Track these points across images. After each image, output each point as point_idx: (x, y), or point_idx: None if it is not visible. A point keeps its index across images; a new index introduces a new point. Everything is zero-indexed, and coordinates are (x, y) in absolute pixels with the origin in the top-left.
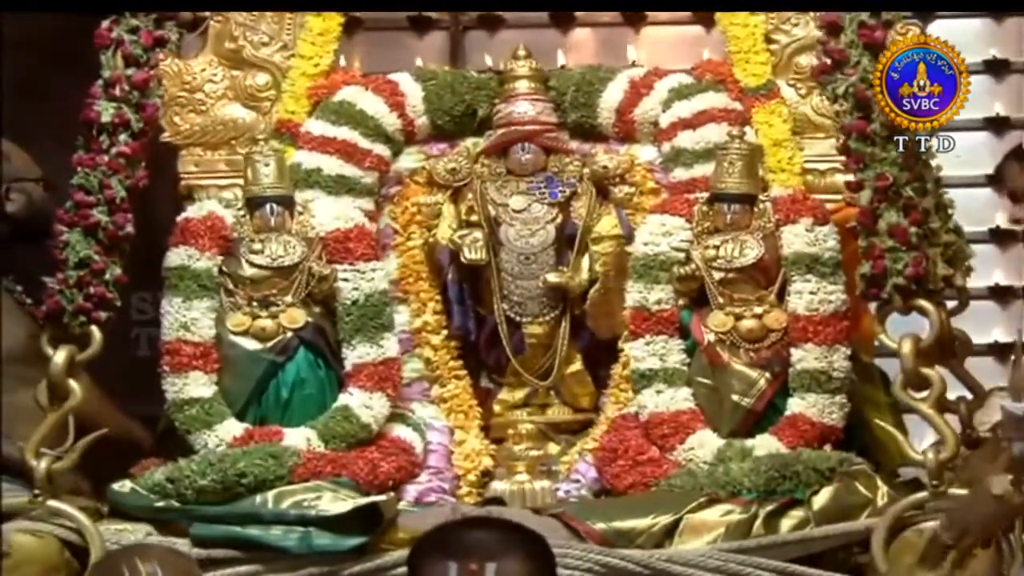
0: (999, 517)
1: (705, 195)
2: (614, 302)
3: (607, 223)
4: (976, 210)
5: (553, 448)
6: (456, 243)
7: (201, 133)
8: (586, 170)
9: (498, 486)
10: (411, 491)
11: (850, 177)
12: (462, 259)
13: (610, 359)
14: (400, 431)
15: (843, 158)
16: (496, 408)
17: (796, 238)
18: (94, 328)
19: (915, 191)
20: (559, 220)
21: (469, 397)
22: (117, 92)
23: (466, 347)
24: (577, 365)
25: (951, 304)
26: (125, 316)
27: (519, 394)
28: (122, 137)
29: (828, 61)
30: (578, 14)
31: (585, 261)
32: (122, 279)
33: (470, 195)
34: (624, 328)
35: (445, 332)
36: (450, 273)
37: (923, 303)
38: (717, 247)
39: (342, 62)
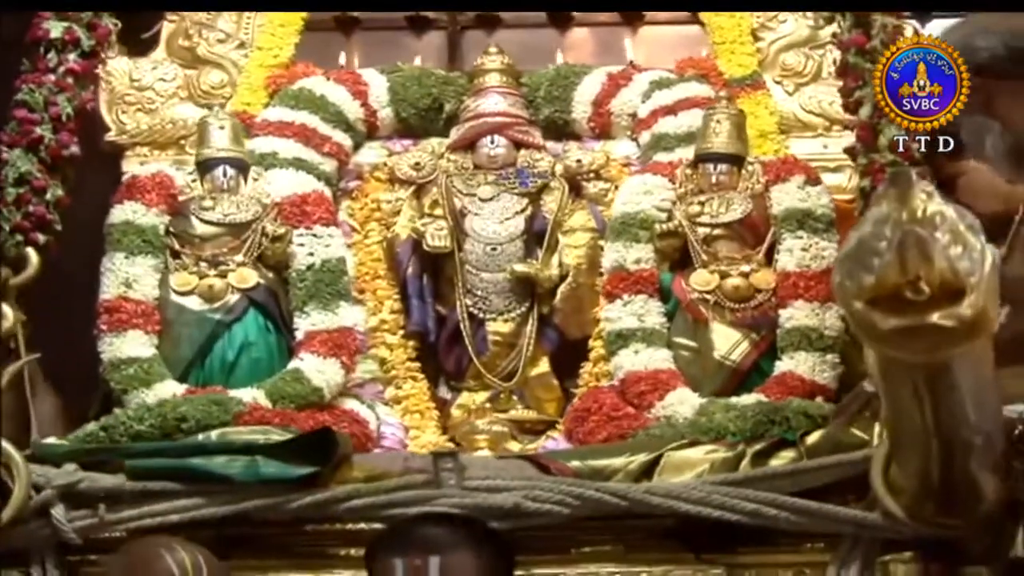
0: None
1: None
2: (585, 298)
3: (580, 217)
4: None
5: (516, 446)
6: (419, 231)
7: (148, 132)
8: (559, 167)
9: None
10: None
11: (840, 177)
12: (425, 247)
13: (578, 365)
14: (353, 405)
15: (832, 156)
16: (455, 412)
17: (786, 196)
18: (31, 250)
19: None
20: (529, 212)
21: (426, 398)
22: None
23: (424, 350)
24: (543, 367)
25: None
26: None
27: (480, 398)
28: (71, 56)
29: None
30: (576, 14)
31: (555, 257)
32: (65, 201)
33: (434, 189)
34: (594, 326)
35: (402, 331)
36: (410, 267)
37: None
38: (702, 204)
39: (341, 60)
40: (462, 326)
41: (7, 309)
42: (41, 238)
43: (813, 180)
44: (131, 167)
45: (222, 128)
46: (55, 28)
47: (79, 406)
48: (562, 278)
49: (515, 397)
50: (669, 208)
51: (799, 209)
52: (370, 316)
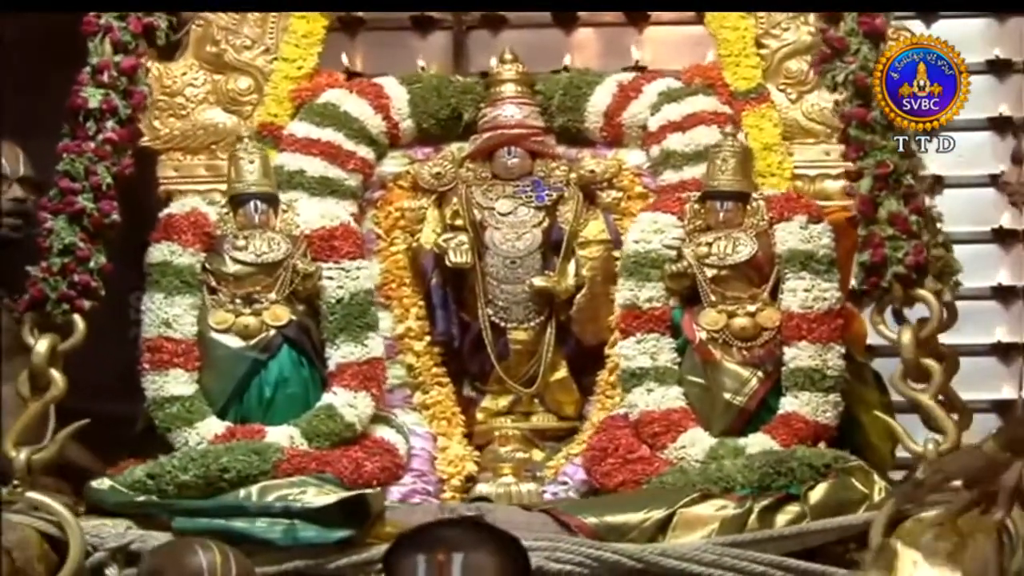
0: (983, 468)
1: (697, 194)
2: (600, 307)
3: (594, 228)
4: (979, 210)
5: (538, 455)
6: (441, 246)
7: (181, 137)
8: (573, 175)
9: (483, 488)
10: (395, 493)
11: (841, 183)
12: (447, 263)
13: (595, 367)
14: (384, 432)
15: (833, 163)
16: (479, 416)
17: (790, 235)
18: (77, 317)
19: (916, 180)
20: (545, 224)
21: (452, 404)
22: (105, 78)
23: (449, 354)
24: (562, 372)
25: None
26: (124, 316)
27: (503, 402)
28: (109, 123)
29: (828, 50)
30: (581, 14)
31: (571, 266)
32: (107, 268)
33: (455, 199)
34: (610, 334)
35: (428, 338)
36: (434, 278)
37: (924, 293)
38: (710, 244)
39: (344, 61)
40: (484, 335)
41: (57, 376)
42: (86, 304)
43: (815, 218)
44: (165, 172)
45: (252, 162)
46: (93, 97)
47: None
48: (578, 288)
49: (536, 400)
50: (679, 246)
51: (801, 251)
52: (396, 323)
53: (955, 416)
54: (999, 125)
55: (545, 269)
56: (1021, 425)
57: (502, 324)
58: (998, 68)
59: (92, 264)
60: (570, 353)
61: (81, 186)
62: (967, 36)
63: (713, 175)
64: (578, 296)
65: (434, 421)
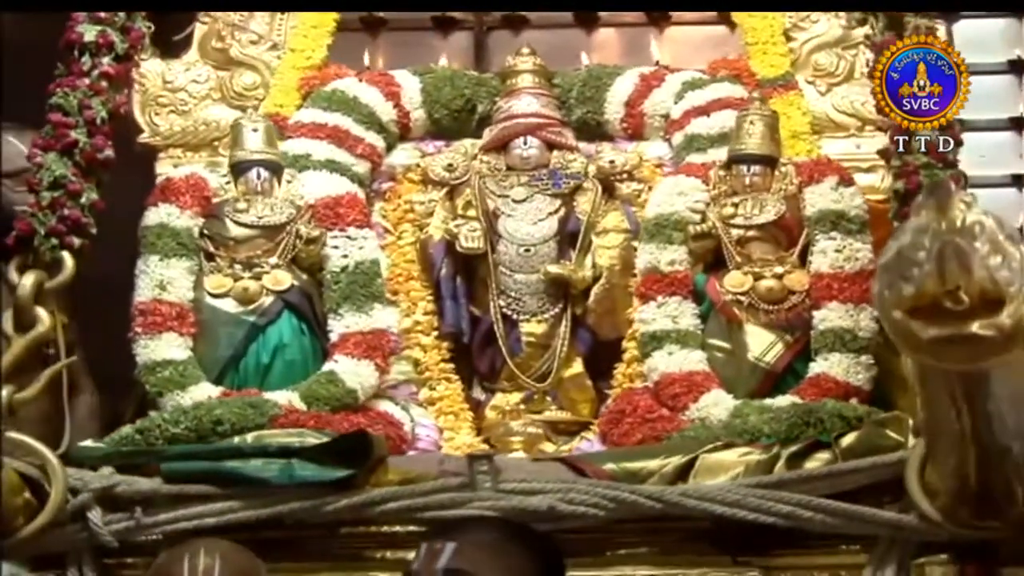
0: None
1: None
2: (619, 299)
3: (613, 218)
4: (1000, 211)
5: (550, 447)
6: (452, 232)
7: (182, 134)
8: (592, 167)
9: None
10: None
11: (871, 177)
12: (458, 248)
13: (612, 366)
14: (388, 407)
15: (864, 156)
16: (489, 414)
17: (820, 197)
18: (66, 254)
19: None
20: (562, 213)
21: (460, 400)
22: (102, 14)
23: (458, 351)
24: (577, 368)
25: None
26: None
27: (514, 399)
28: (105, 59)
29: None
30: (602, 15)
31: (588, 259)
32: (99, 205)
33: (467, 191)
34: (628, 327)
35: (436, 333)
36: (443, 268)
37: None
38: (736, 205)
39: (366, 61)
40: (496, 327)
41: (43, 313)
42: (76, 242)
43: (846, 181)
44: (164, 168)
45: (255, 130)
46: (89, 32)
47: (114, 407)
48: (595, 279)
49: (549, 398)
50: (703, 209)
51: (832, 211)
52: (404, 317)
53: None
54: (1020, 125)
55: (560, 260)
56: None
57: (514, 316)
58: (1019, 68)
59: (83, 200)
60: (585, 349)
61: (74, 121)
62: (988, 37)
63: (740, 139)
64: (595, 287)
65: (441, 416)
